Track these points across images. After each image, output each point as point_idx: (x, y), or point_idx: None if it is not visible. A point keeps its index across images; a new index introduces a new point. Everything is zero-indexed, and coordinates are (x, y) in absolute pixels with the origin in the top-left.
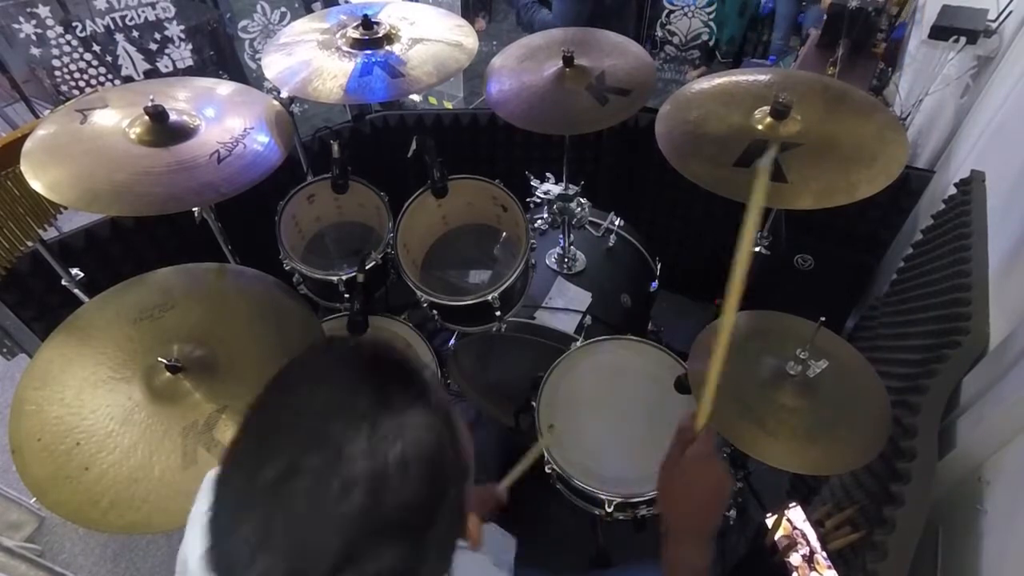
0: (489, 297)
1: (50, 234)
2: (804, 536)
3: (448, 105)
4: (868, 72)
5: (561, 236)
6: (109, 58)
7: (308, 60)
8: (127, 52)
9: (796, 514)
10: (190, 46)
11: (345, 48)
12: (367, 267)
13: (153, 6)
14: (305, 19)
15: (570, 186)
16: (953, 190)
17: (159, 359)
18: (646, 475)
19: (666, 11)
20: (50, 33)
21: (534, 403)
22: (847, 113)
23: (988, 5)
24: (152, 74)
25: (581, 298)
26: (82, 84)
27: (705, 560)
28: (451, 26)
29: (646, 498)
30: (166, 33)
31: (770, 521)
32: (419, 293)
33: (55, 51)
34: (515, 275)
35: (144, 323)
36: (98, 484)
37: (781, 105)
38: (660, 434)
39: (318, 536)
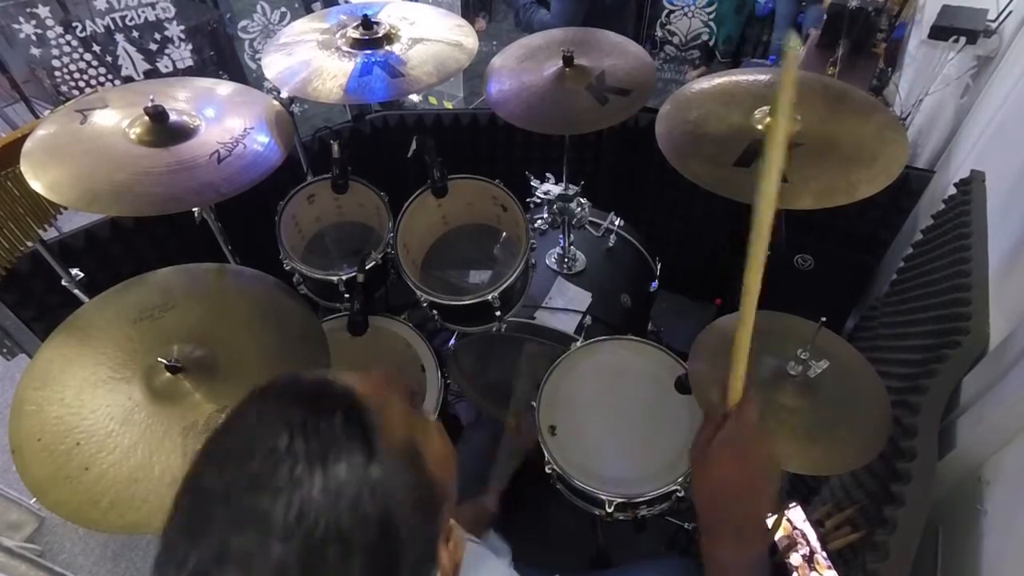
0: (489, 297)
1: (50, 234)
2: (804, 536)
3: (448, 105)
4: (868, 72)
5: (561, 236)
6: (109, 58)
7: (308, 60)
8: (127, 52)
9: (796, 514)
10: (190, 46)
11: (345, 48)
12: (367, 267)
13: (153, 6)
14: (305, 19)
15: (570, 186)
16: (953, 190)
17: (159, 359)
18: (646, 475)
19: (666, 11)
20: (50, 33)
21: (534, 403)
22: (847, 113)
23: (988, 5)
24: (152, 74)
25: (581, 298)
26: (82, 84)
27: (749, 561)
28: (451, 26)
29: (646, 498)
30: (166, 33)
31: (770, 521)
32: (419, 293)
33: (55, 51)
34: (515, 275)
35: (144, 323)
36: (98, 484)
37: None
38: (660, 434)
39: None
